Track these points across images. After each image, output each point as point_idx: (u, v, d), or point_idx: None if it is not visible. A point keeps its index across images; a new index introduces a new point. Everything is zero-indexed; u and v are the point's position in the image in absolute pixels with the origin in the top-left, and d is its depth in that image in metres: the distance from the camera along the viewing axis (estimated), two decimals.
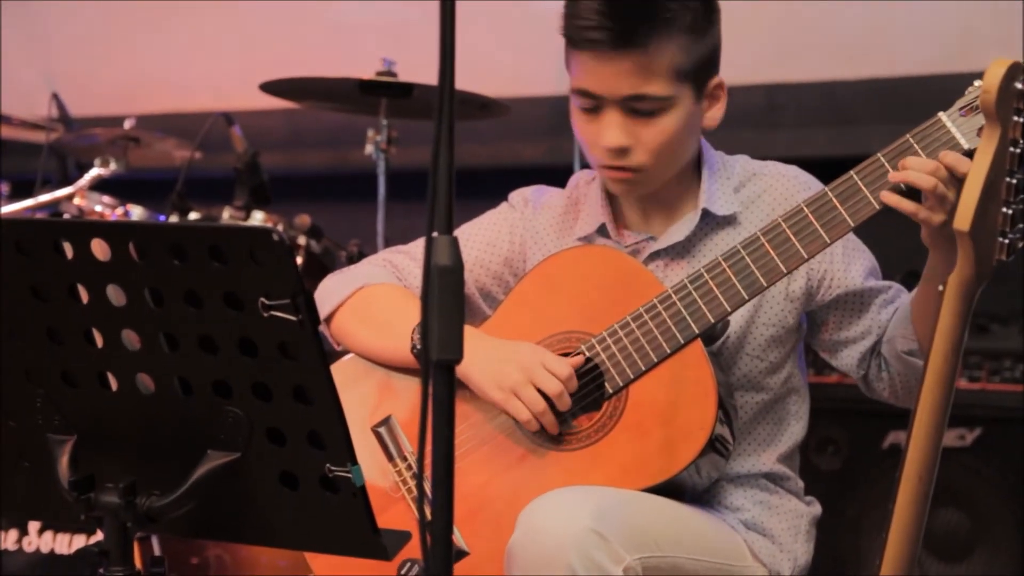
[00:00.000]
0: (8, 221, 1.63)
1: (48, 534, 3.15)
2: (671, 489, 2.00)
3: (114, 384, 1.65)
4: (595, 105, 2.07)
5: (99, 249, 1.58)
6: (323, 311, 2.22)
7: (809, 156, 3.86)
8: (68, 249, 1.60)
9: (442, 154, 1.43)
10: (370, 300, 2.21)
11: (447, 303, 1.44)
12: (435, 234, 1.44)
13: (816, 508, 2.21)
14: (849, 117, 3.97)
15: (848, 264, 2.12)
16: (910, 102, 3.74)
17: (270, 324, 1.53)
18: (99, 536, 3.05)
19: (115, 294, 1.60)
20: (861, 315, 2.13)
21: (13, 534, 3.18)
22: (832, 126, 4.01)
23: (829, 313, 2.15)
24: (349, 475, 1.57)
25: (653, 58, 2.02)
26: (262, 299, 1.52)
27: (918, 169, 1.90)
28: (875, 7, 3.91)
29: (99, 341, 1.63)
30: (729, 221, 2.14)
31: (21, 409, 1.69)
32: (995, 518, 3.23)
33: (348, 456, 1.57)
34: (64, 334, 1.64)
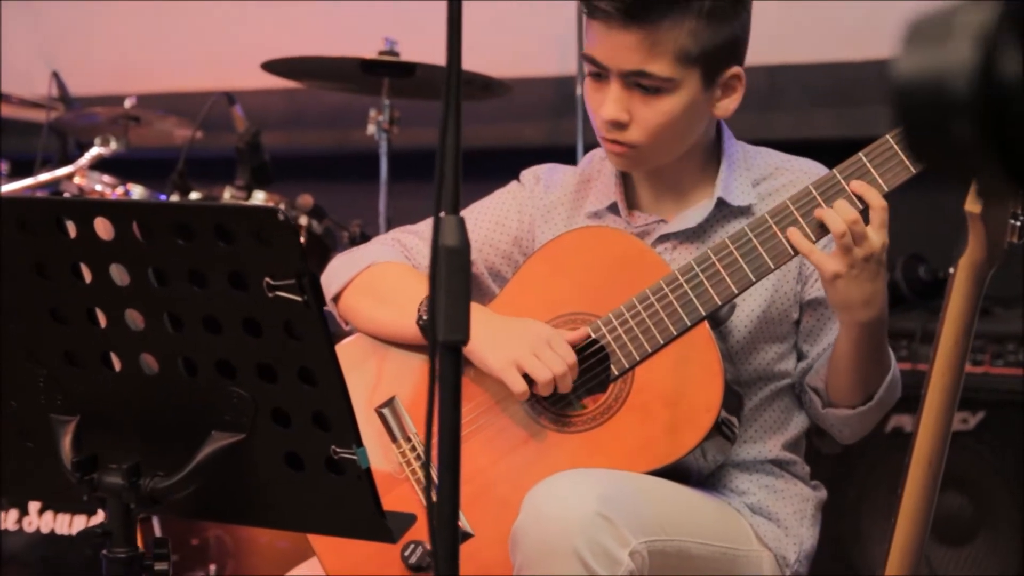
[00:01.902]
0: (11, 199, 1.62)
1: (48, 514, 3.15)
2: (677, 472, 1.99)
3: (117, 364, 1.64)
4: (600, 74, 2.06)
5: (102, 228, 1.57)
6: (331, 290, 2.21)
7: (812, 138, 3.87)
8: (71, 228, 1.58)
9: (449, 134, 1.41)
10: (377, 277, 2.20)
11: (454, 284, 1.43)
12: (442, 214, 1.43)
13: (822, 493, 2.20)
14: (853, 99, 3.95)
15: None
16: None
17: (275, 304, 1.51)
18: (100, 517, 3.05)
19: (118, 273, 1.59)
20: (821, 334, 2.14)
21: (13, 514, 3.18)
22: (835, 108, 3.99)
23: (802, 315, 2.14)
24: (354, 457, 1.56)
25: (660, 37, 2.00)
26: (267, 279, 1.51)
27: (839, 212, 1.94)
28: None
29: (102, 321, 1.62)
30: (744, 212, 2.12)
31: (24, 389, 1.68)
32: (998, 502, 3.22)
33: (353, 438, 1.56)
34: (67, 314, 1.63)
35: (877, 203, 1.94)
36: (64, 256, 1.60)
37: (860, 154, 1.98)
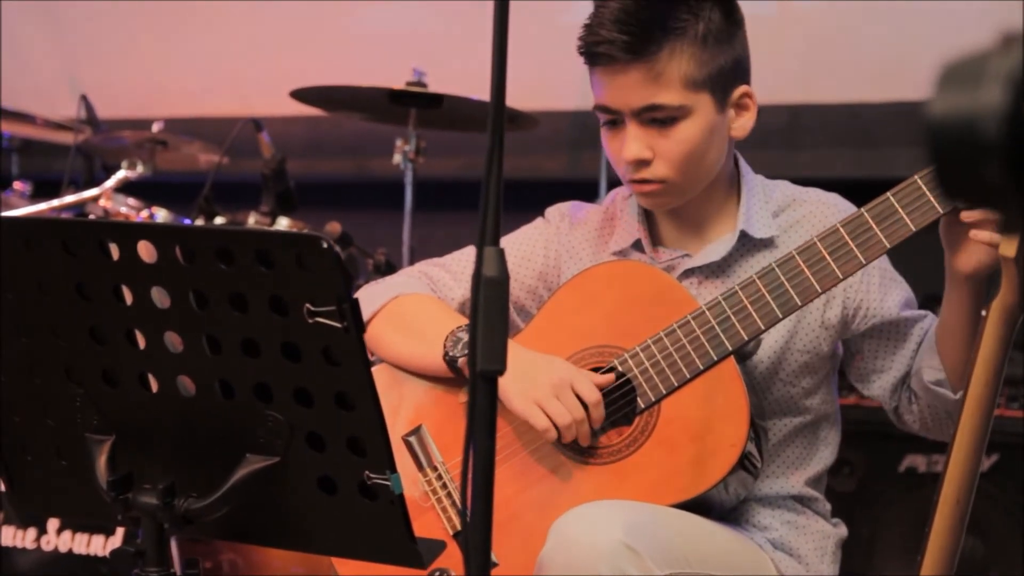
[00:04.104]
0: (56, 221, 1.64)
1: (67, 533, 3.16)
2: (700, 506, 2.01)
3: (155, 385, 1.65)
4: (615, 120, 2.10)
5: (145, 251, 1.59)
6: None
7: (832, 177, 3.89)
8: (114, 250, 1.60)
9: (493, 169, 1.44)
10: (403, 309, 2.22)
11: (492, 314, 1.45)
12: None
13: (842, 530, 2.21)
14: (873, 139, 3.97)
15: (884, 295, 2.13)
16: None
17: (314, 330, 1.53)
18: (118, 537, 3.06)
19: (159, 296, 1.61)
20: (895, 346, 2.14)
21: (31, 532, 3.19)
22: (856, 148, 4.02)
23: (864, 342, 2.15)
24: (388, 483, 1.58)
25: (663, 68, 2.04)
26: (307, 305, 1.53)
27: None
28: (901, 29, 3.91)
29: (141, 342, 1.64)
30: (766, 244, 2.15)
31: (60, 408, 1.70)
32: (1010, 544, 3.23)
33: (388, 463, 1.57)
34: (106, 334, 1.65)
35: None
36: (106, 277, 1.62)
37: (888, 194, 1.99)
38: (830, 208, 2.15)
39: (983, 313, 1.60)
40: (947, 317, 2.04)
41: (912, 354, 2.14)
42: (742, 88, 2.11)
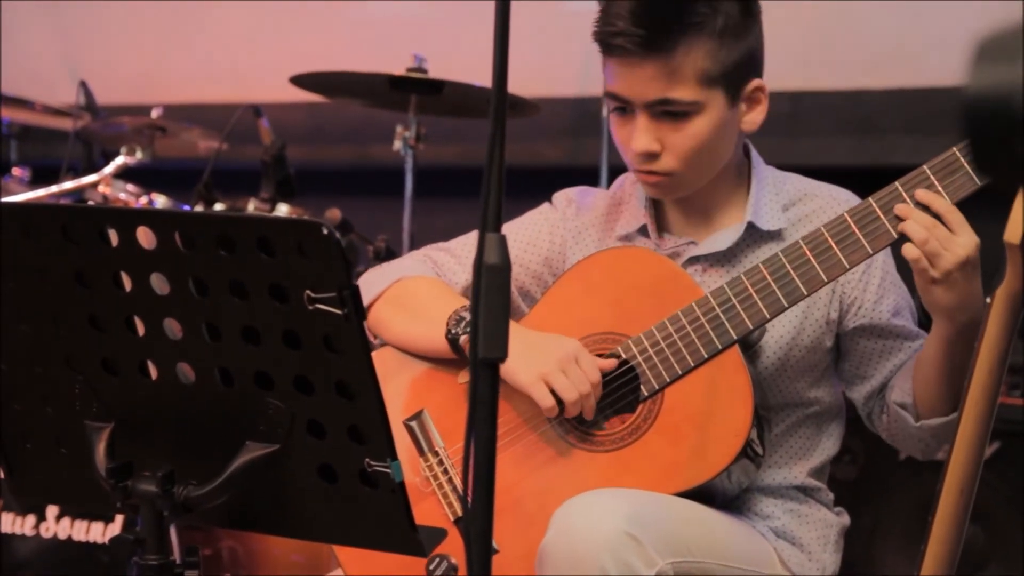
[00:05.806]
0: (55, 207, 1.63)
1: (66, 520, 3.15)
2: (702, 494, 2.00)
3: (154, 373, 1.64)
4: (625, 108, 2.08)
5: (144, 237, 1.58)
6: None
7: (832, 164, 3.89)
8: (113, 236, 1.59)
9: (496, 155, 1.44)
10: (406, 290, 2.21)
11: (493, 301, 1.45)
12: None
13: (845, 519, 2.21)
14: (874, 126, 3.97)
15: (880, 297, 2.12)
16: (935, 113, 3.74)
17: (315, 317, 1.52)
18: (117, 524, 3.06)
19: (159, 283, 1.60)
20: (881, 358, 2.13)
21: (31, 519, 3.19)
22: (856, 135, 4.01)
23: (852, 346, 2.14)
24: (388, 470, 1.57)
25: (679, 63, 2.02)
26: (308, 292, 1.52)
27: (916, 221, 1.92)
28: (902, 17, 3.90)
29: (141, 329, 1.63)
30: (774, 237, 2.13)
31: (60, 396, 1.69)
32: (1010, 533, 3.22)
33: (388, 451, 1.56)
34: (106, 321, 1.64)
35: (945, 207, 1.93)
36: (105, 264, 1.61)
37: (896, 183, 1.98)
38: (842, 204, 2.13)
39: (987, 300, 1.59)
40: (924, 347, 2.05)
41: (895, 370, 2.13)
42: (755, 82, 2.09)
